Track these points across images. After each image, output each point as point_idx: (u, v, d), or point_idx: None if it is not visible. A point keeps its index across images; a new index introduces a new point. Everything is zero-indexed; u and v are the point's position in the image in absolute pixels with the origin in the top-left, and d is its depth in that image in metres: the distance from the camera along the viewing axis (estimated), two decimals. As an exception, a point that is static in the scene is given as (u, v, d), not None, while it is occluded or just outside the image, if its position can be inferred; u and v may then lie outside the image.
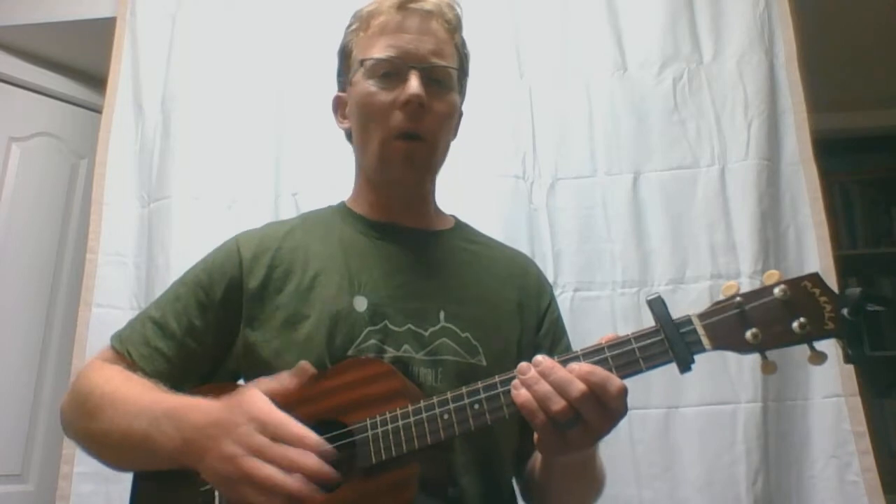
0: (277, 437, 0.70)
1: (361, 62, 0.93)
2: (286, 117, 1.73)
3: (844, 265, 1.65)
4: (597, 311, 1.52)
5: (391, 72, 0.92)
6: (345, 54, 1.00)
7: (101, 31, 1.93)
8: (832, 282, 1.49)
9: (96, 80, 2.22)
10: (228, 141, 1.73)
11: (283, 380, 0.79)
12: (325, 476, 0.69)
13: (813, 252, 1.52)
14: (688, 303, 1.48)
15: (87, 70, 2.31)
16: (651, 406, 1.44)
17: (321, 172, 1.63)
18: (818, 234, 1.53)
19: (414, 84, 0.89)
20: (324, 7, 1.77)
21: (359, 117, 0.95)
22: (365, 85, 0.93)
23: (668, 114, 1.62)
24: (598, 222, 1.58)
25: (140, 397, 0.82)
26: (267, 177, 1.70)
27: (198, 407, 0.77)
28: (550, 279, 1.50)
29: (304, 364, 0.81)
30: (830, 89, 2.11)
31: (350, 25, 1.00)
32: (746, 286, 1.45)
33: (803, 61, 1.63)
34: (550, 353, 0.97)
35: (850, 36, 2.31)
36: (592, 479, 0.90)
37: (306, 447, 0.69)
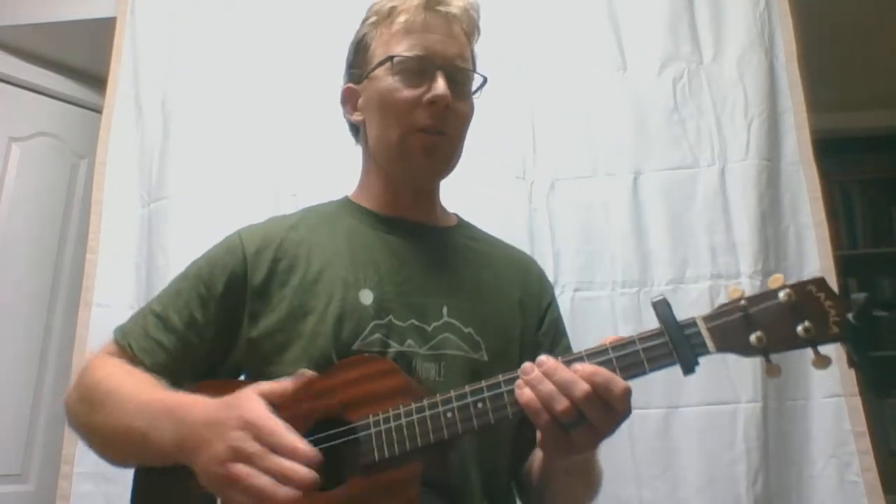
0: (270, 445, 0.69)
1: (390, 58, 0.93)
2: (286, 117, 1.72)
3: (844, 265, 1.65)
4: (597, 311, 1.52)
5: (417, 70, 0.92)
6: (361, 47, 1.00)
7: (101, 31, 1.93)
8: (832, 282, 1.49)
9: (96, 80, 2.22)
10: (228, 141, 1.73)
11: (281, 383, 0.78)
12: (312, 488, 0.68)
13: (813, 252, 1.52)
14: (688, 303, 1.48)
15: (87, 70, 2.31)
16: (651, 406, 1.44)
17: (321, 172, 1.63)
18: (818, 234, 1.53)
19: (441, 84, 0.91)
20: (324, 7, 1.77)
21: (379, 111, 0.95)
22: (389, 80, 0.93)
23: (668, 114, 1.62)
24: (598, 222, 1.58)
25: (140, 394, 0.82)
26: (267, 177, 1.70)
27: (194, 405, 0.77)
28: (550, 279, 1.50)
29: (304, 370, 0.80)
30: (830, 89, 2.11)
31: (367, 18, 1.00)
32: (747, 286, 1.48)
33: (803, 61, 1.63)
34: (550, 353, 0.97)
35: (850, 36, 2.31)
36: (591, 481, 0.90)
37: (299, 458, 0.68)
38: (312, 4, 1.79)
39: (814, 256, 1.52)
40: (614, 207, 1.58)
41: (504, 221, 1.55)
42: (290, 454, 0.68)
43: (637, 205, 1.57)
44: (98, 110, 1.98)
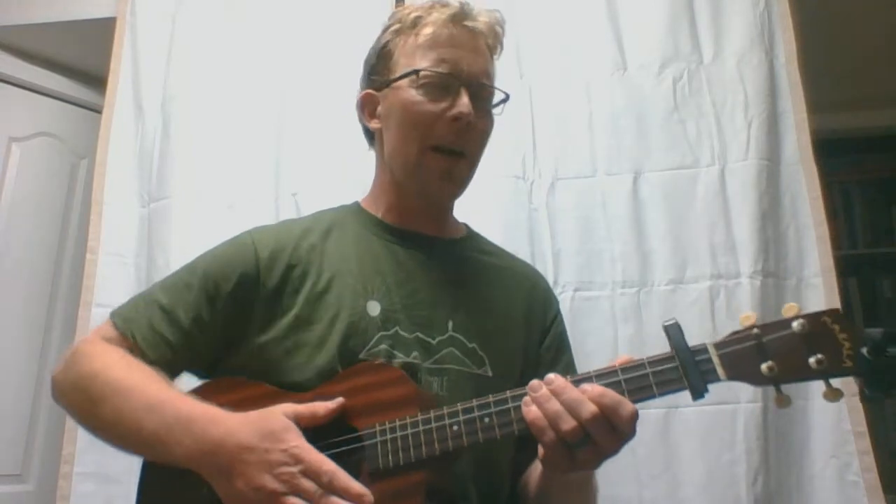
0: (329, 488, 0.70)
1: (416, 72, 0.93)
2: (286, 117, 1.72)
3: (844, 265, 1.65)
4: (597, 311, 1.52)
5: (441, 85, 0.93)
6: (383, 54, 0.99)
7: (101, 31, 1.93)
8: (832, 282, 1.49)
9: (96, 80, 2.22)
10: (228, 141, 1.73)
11: (315, 408, 0.78)
12: None
13: (813, 252, 1.52)
14: (688, 303, 1.48)
15: (87, 70, 2.31)
16: (651, 406, 1.44)
17: (321, 172, 1.63)
18: (818, 234, 1.53)
19: (465, 101, 0.91)
20: (324, 7, 1.77)
21: (400, 122, 0.95)
22: (412, 92, 0.93)
23: (668, 114, 1.61)
24: (598, 222, 1.58)
25: (148, 391, 0.81)
26: (267, 177, 1.70)
27: (216, 420, 0.77)
28: (550, 279, 1.51)
29: (342, 400, 0.80)
30: (830, 89, 2.11)
31: (390, 25, 1.00)
32: (746, 286, 1.48)
33: (803, 61, 1.62)
34: (551, 368, 0.97)
35: (850, 36, 2.31)
36: (589, 494, 0.90)
37: (352, 498, 0.70)
38: (312, 5, 1.79)
39: (814, 256, 1.52)
40: (614, 207, 1.58)
41: (504, 221, 1.56)
42: (344, 494, 0.70)
43: (637, 205, 1.57)
44: (98, 110, 1.98)
